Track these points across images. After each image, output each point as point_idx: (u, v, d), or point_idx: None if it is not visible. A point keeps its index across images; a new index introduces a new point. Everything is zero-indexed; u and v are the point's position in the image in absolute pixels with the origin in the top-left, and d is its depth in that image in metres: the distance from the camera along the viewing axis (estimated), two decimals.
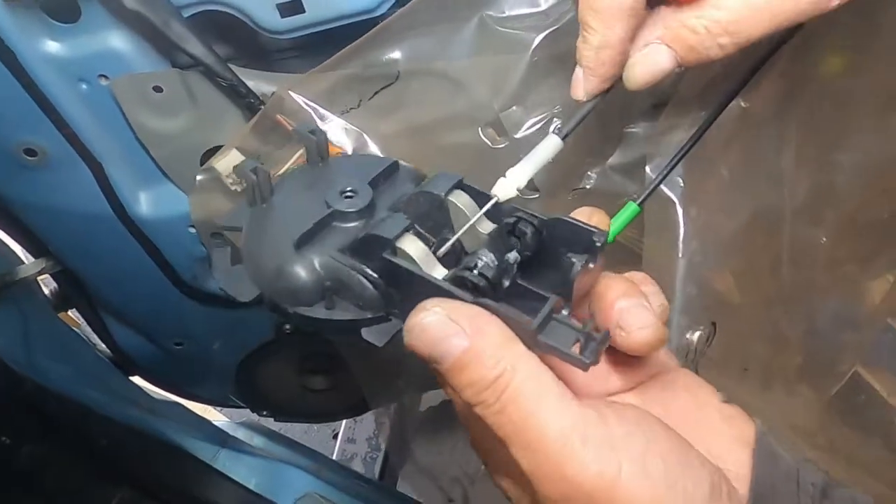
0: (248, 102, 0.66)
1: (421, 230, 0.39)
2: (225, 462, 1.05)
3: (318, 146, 0.49)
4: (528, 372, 0.32)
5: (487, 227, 0.39)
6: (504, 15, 0.64)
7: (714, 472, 0.33)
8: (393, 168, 0.48)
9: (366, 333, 0.39)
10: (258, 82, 0.67)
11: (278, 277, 0.40)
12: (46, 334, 0.93)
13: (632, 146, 0.69)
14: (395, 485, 1.38)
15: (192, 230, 0.76)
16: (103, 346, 1.05)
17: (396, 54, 0.67)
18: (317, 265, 0.39)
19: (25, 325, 0.90)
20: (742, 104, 0.59)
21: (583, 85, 0.43)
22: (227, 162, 0.70)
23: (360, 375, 0.96)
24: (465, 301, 0.34)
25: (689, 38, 0.40)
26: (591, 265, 0.35)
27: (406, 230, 0.37)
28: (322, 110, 0.68)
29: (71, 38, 0.63)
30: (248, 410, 1.13)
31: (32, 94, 0.64)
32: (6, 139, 0.68)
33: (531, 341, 0.33)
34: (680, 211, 0.61)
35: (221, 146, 0.71)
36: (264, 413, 1.12)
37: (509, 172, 0.41)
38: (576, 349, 0.32)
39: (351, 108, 0.68)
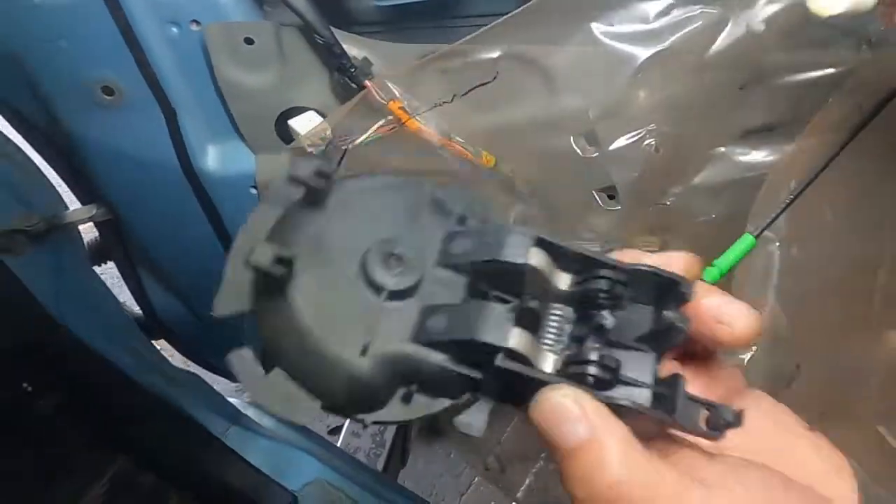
0: (339, 64, 0.65)
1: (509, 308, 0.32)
2: (235, 439, 1.03)
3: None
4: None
5: (565, 281, 0.34)
6: (612, 28, 0.64)
7: None
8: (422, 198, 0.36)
9: (461, 426, 0.33)
10: (348, 45, 0.66)
11: (344, 389, 0.32)
12: (79, 285, 0.91)
13: (719, 168, 0.69)
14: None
15: (254, 191, 0.75)
16: (129, 306, 1.03)
17: (496, 54, 0.67)
18: (385, 361, 0.31)
19: (60, 273, 0.88)
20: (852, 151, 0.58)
21: None
22: (304, 123, 0.70)
23: None
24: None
25: None
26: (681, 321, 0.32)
27: (511, 323, 0.31)
28: (415, 102, 0.67)
29: None
30: None
31: (122, 30, 0.63)
32: (86, 73, 0.66)
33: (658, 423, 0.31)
34: (778, 249, 0.60)
35: (299, 108, 0.71)
36: None
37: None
38: (703, 424, 0.31)
39: (444, 102, 0.68)
